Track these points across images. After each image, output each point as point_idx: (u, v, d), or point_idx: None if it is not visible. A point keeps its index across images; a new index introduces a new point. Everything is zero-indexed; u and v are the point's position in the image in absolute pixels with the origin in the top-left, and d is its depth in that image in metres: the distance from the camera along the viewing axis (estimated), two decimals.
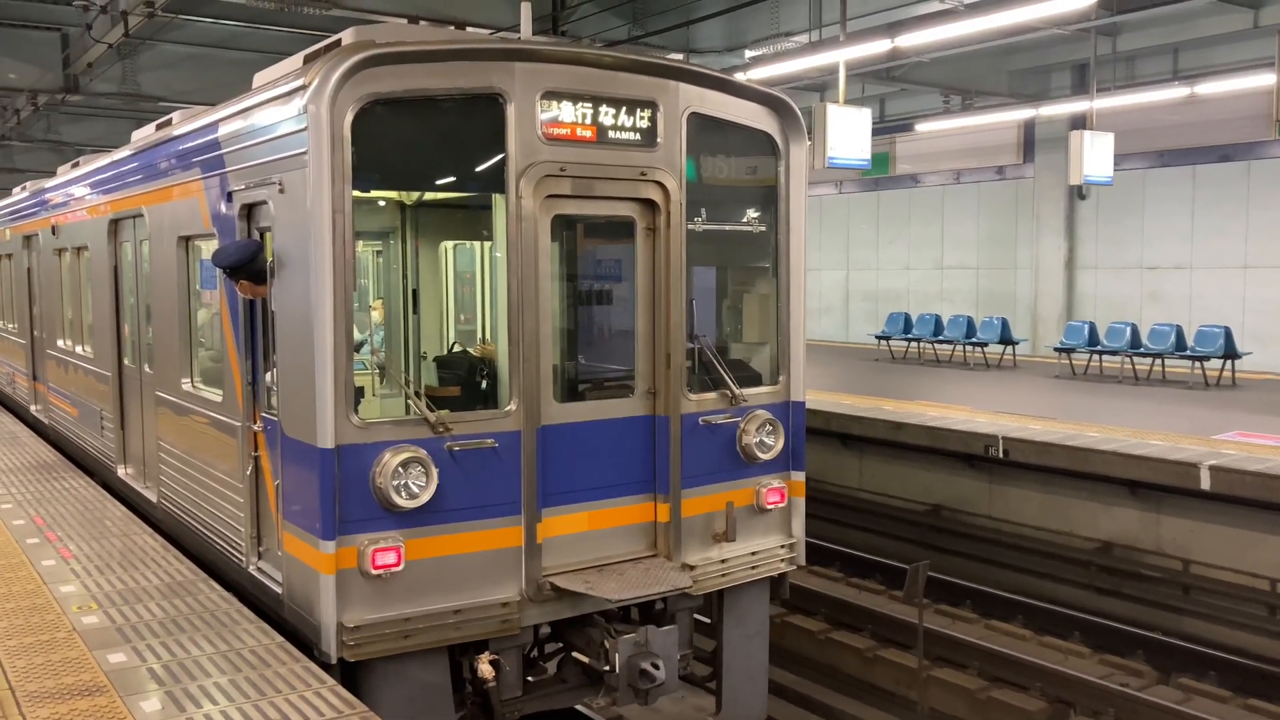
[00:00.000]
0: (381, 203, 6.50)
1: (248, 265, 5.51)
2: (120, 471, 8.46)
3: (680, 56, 17.69)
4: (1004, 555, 10.63)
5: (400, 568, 5.06)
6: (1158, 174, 19.75)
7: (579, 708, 6.98)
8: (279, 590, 5.45)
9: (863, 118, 14.25)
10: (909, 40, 13.00)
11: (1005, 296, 22.99)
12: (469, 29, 8.74)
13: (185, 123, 7.18)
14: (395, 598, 5.10)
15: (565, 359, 6.06)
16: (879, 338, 18.90)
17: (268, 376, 5.67)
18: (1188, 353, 14.64)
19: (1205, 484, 9.06)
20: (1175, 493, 9.46)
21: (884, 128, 22.32)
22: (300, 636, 5.10)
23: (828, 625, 9.44)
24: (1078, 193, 21.16)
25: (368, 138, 5.02)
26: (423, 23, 15.54)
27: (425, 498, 5.08)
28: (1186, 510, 9.51)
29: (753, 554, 6.25)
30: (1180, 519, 9.59)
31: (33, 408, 11.89)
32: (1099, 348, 15.54)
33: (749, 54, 17.14)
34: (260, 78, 6.37)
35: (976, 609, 9.70)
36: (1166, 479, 9.37)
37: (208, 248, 6.41)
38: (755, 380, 6.44)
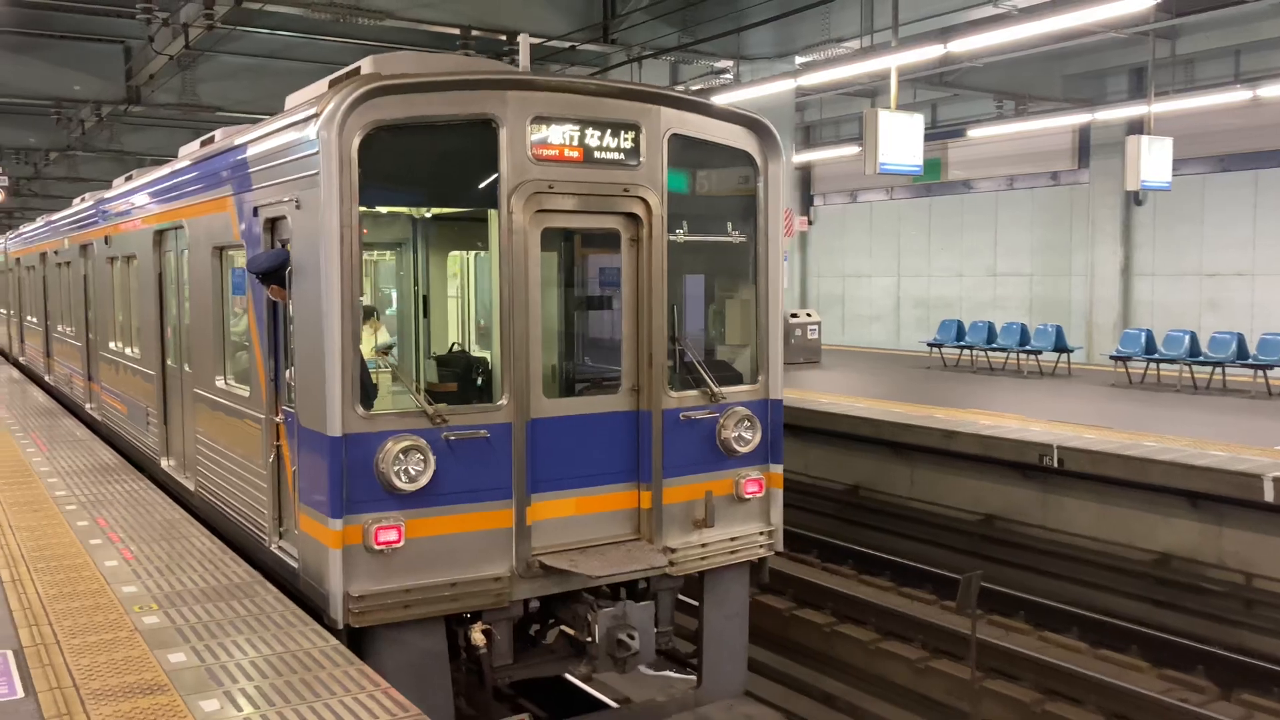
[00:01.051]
0: (394, 217, 7.07)
1: (278, 271, 6.08)
2: (164, 463, 9.02)
3: (731, 63, 17.70)
4: (1058, 566, 10.46)
5: (401, 544, 5.56)
6: (1218, 179, 19.38)
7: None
8: (295, 565, 5.95)
9: (914, 123, 14.15)
10: (962, 45, 12.89)
11: (1059, 304, 22.66)
12: (469, 57, 9.24)
13: (219, 143, 7.82)
14: (396, 571, 5.57)
15: (555, 358, 6.73)
16: (931, 345, 18.70)
17: (287, 373, 6.15)
18: (1249, 361, 14.31)
19: (1269, 496, 8.85)
20: (1237, 504, 9.25)
21: (936, 133, 22.12)
22: (313, 606, 5.58)
23: (878, 635, 9.36)
24: (1134, 198, 20.79)
25: (373, 160, 5.53)
26: (475, 31, 15.71)
27: (423, 482, 5.56)
28: (1249, 522, 9.29)
29: (732, 540, 6.67)
30: (1242, 531, 9.38)
31: (87, 406, 12.48)
32: (1156, 356, 15.24)
33: (799, 60, 17.08)
34: (291, 100, 6.98)
35: (1030, 620, 9.56)
36: (1228, 490, 9.16)
37: (238, 257, 6.98)
38: (736, 379, 6.82)
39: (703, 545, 6.52)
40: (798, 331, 18.78)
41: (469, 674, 6.05)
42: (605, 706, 7.47)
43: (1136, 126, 17.99)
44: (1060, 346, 16.71)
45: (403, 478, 5.52)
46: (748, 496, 6.70)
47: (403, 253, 7.48)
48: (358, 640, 5.49)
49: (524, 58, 6.55)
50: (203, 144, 8.51)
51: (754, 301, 6.86)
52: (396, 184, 6.07)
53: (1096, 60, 19.27)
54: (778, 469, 6.86)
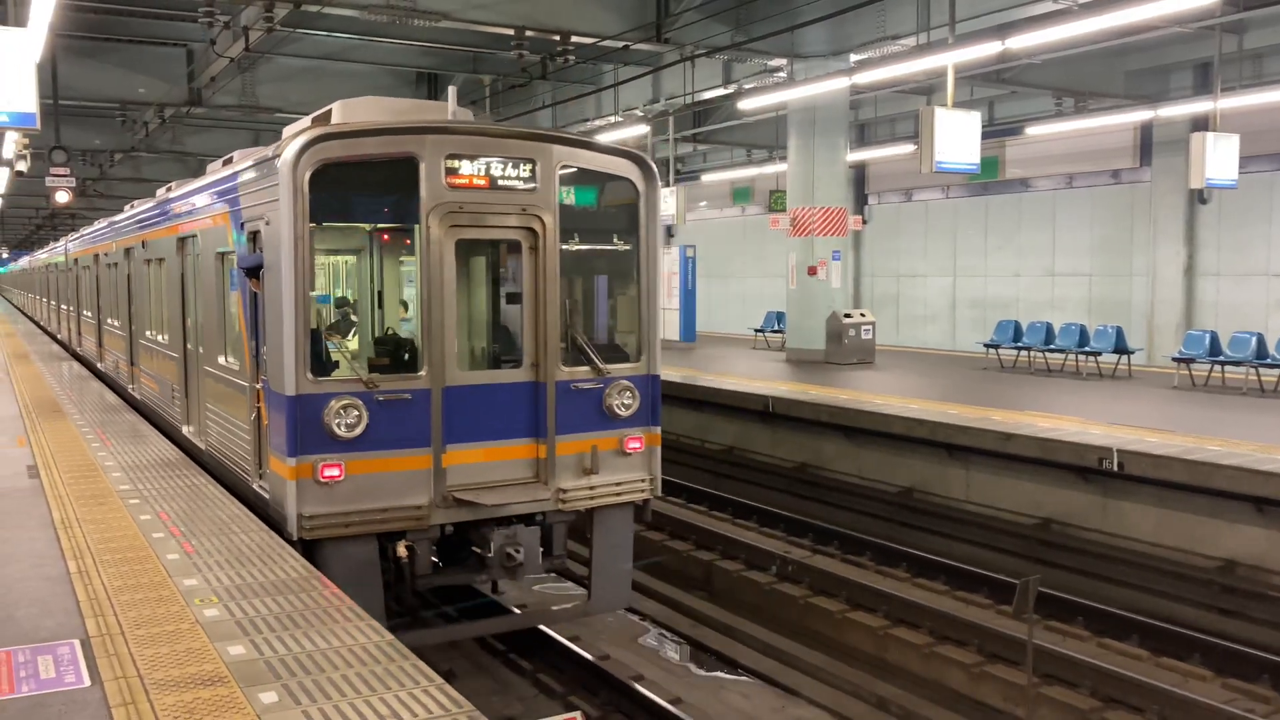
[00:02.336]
0: (354, 230, 8.77)
1: (256, 270, 7.67)
2: (184, 430, 10.74)
3: (784, 62, 17.61)
4: (1117, 571, 10.27)
5: (342, 479, 7.15)
6: None
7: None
8: (267, 497, 7.63)
9: (972, 121, 13.98)
10: (1020, 42, 12.68)
11: (1119, 305, 22.25)
12: (419, 101, 12.08)
13: (221, 170, 9.64)
14: (338, 499, 7.16)
15: (468, 340, 8.35)
16: (987, 346, 18.44)
17: (263, 350, 7.67)
18: None
19: None
20: None
21: (993, 131, 21.81)
22: (279, 526, 7.18)
23: (933, 639, 9.25)
24: (1199, 197, 20.34)
25: (321, 188, 7.13)
26: (529, 31, 15.79)
27: (359, 432, 7.16)
28: None
29: (617, 485, 8.16)
30: None
31: (130, 387, 14.25)
32: (1221, 358, 14.89)
33: (854, 58, 16.95)
34: (286, 131, 8.68)
35: (1088, 626, 9.39)
36: None
37: (234, 261, 8.51)
38: (622, 358, 8.31)
39: (590, 488, 8.03)
40: (851, 332, 18.61)
41: (397, 580, 7.57)
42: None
43: (1201, 123, 17.60)
44: (1120, 348, 16.39)
45: (342, 428, 7.10)
46: (630, 451, 8.21)
47: (360, 258, 9.12)
48: (310, 550, 6.99)
49: (451, 103, 8.16)
50: (224, 164, 10.02)
51: (637, 297, 8.35)
52: (339, 206, 7.66)
53: (1160, 56, 18.88)
54: (656, 430, 8.38)
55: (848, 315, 18.87)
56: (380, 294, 8.88)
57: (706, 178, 32.39)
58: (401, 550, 7.37)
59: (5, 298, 68.40)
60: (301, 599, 5.53)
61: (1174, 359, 15.43)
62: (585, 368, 8.03)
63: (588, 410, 8.02)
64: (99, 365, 17.69)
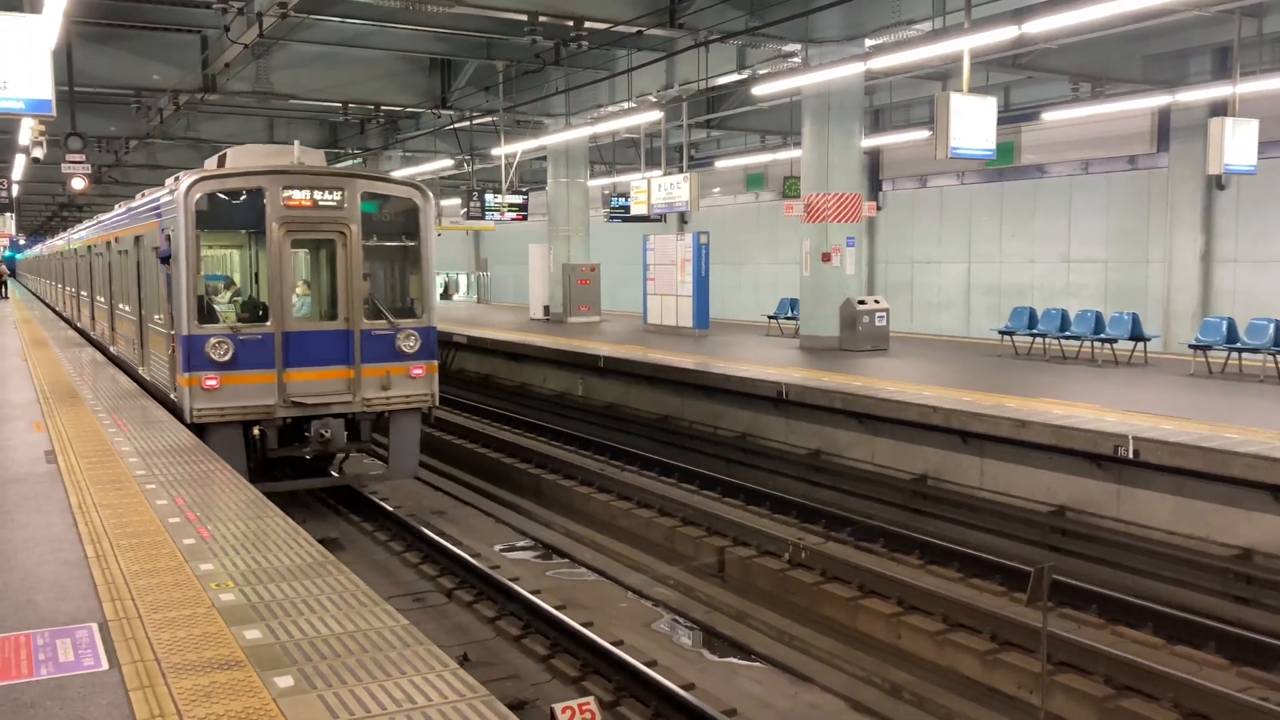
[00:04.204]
0: (228, 233, 12.70)
1: (168, 260, 11.59)
2: (140, 370, 14.72)
3: (799, 47, 17.51)
4: (1132, 559, 10.23)
5: (219, 387, 11.23)
6: None
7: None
8: (176, 400, 11.64)
9: (987, 107, 13.90)
10: (1037, 27, 12.55)
11: (1135, 291, 22.12)
12: (282, 147, 14.23)
13: (158, 192, 13.44)
14: (217, 399, 11.24)
15: (303, 303, 12.31)
16: (1002, 333, 18.36)
17: (172, 309, 11.61)
18: None
19: None
20: None
21: (1009, 117, 21.69)
22: (182, 416, 11.16)
23: (946, 626, 9.24)
24: (1217, 183, 20.20)
25: (202, 208, 11.33)
26: (542, 17, 15.73)
27: (228, 358, 11.23)
28: None
29: (406, 396, 12.21)
30: None
31: (111, 348, 18.38)
32: (1238, 345, 14.78)
33: (869, 43, 16.84)
34: (206, 163, 13.29)
35: (1103, 614, 9.36)
36: None
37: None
38: (410, 315, 12.35)
39: (387, 399, 12.09)
40: (865, 319, 18.55)
41: (254, 452, 11.69)
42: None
43: (1220, 108, 17.45)
44: (1136, 335, 16.29)
45: (217, 355, 11.17)
46: (415, 377, 12.22)
47: (247, 251, 12.83)
48: (199, 430, 10.79)
49: (296, 151, 12.05)
50: (166, 184, 13.19)
51: (419, 276, 12.57)
52: (216, 219, 11.70)
53: (1178, 40, 18.70)
54: (434, 362, 12.41)
55: (862, 302, 18.81)
56: (256, 275, 12.47)
57: (720, 164, 32.30)
58: (256, 433, 11.62)
59: (21, 283, 68.93)
60: (317, 584, 5.56)
61: (1191, 346, 15.33)
62: (382, 321, 12.05)
63: (384, 349, 12.04)
64: (92, 333, 22.21)
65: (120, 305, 17.20)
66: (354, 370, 11.78)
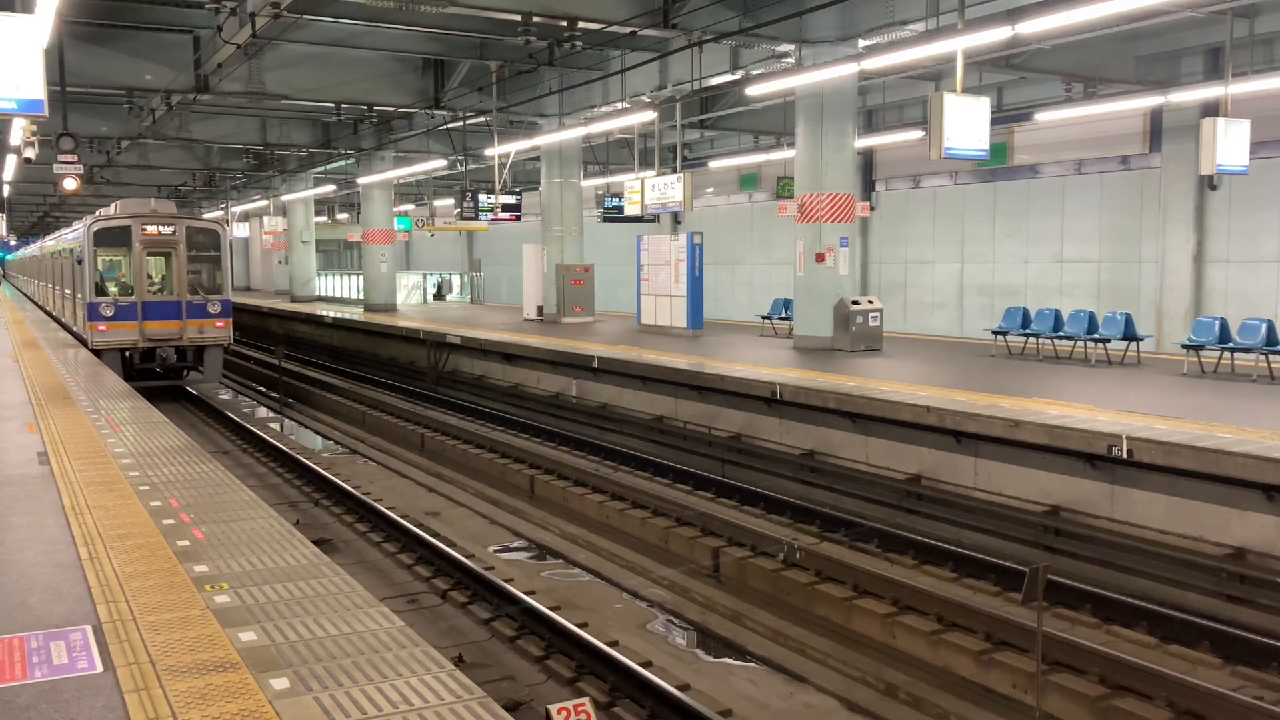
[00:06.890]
0: (120, 249, 21.33)
1: (81, 262, 20.92)
2: (69, 322, 23.72)
3: (792, 47, 17.52)
4: (1126, 559, 10.26)
5: (107, 332, 20.68)
6: None
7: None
8: (86, 338, 20.64)
9: (981, 107, 13.92)
10: (1030, 27, 12.57)
11: (1128, 291, 22.18)
12: (163, 199, 22.96)
13: (78, 225, 23.72)
14: (107, 337, 20.66)
15: (153, 286, 21.53)
16: (995, 333, 18.38)
17: (82, 289, 21.43)
18: None
19: None
20: None
21: (1002, 117, 21.73)
22: (87, 345, 19.91)
23: (940, 625, 9.25)
24: (1209, 183, 20.26)
25: (98, 237, 21.01)
26: (536, 17, 15.71)
27: (111, 315, 20.62)
28: None
29: (215, 338, 21.57)
30: None
31: (54, 312, 28.63)
32: (1231, 345, 14.83)
33: (863, 43, 16.85)
34: (103, 210, 23.89)
35: (1097, 614, 9.39)
36: None
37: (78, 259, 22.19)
38: (216, 292, 21.67)
39: (203, 338, 21.39)
40: (859, 319, 18.57)
41: (129, 366, 20.77)
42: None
43: (1212, 109, 17.50)
44: (1129, 335, 16.33)
45: (105, 312, 20.52)
46: (219, 328, 21.54)
47: (124, 258, 21.43)
48: (97, 354, 18.73)
49: (153, 203, 22.27)
50: (96, 215, 22.51)
51: (220, 271, 21.90)
52: (107, 241, 20.97)
53: (1171, 41, 18.76)
54: (229, 319, 21.74)
55: (855, 302, 18.83)
56: (127, 271, 21.20)
57: (714, 164, 32.30)
58: (129, 356, 20.69)
59: (11, 284, 69.00)
60: (312, 585, 5.54)
61: (1183, 346, 15.38)
62: (199, 295, 21.24)
63: (200, 311, 21.21)
64: (49, 310, 32.37)
65: (63, 288, 27.41)
66: (183, 323, 21.15)
